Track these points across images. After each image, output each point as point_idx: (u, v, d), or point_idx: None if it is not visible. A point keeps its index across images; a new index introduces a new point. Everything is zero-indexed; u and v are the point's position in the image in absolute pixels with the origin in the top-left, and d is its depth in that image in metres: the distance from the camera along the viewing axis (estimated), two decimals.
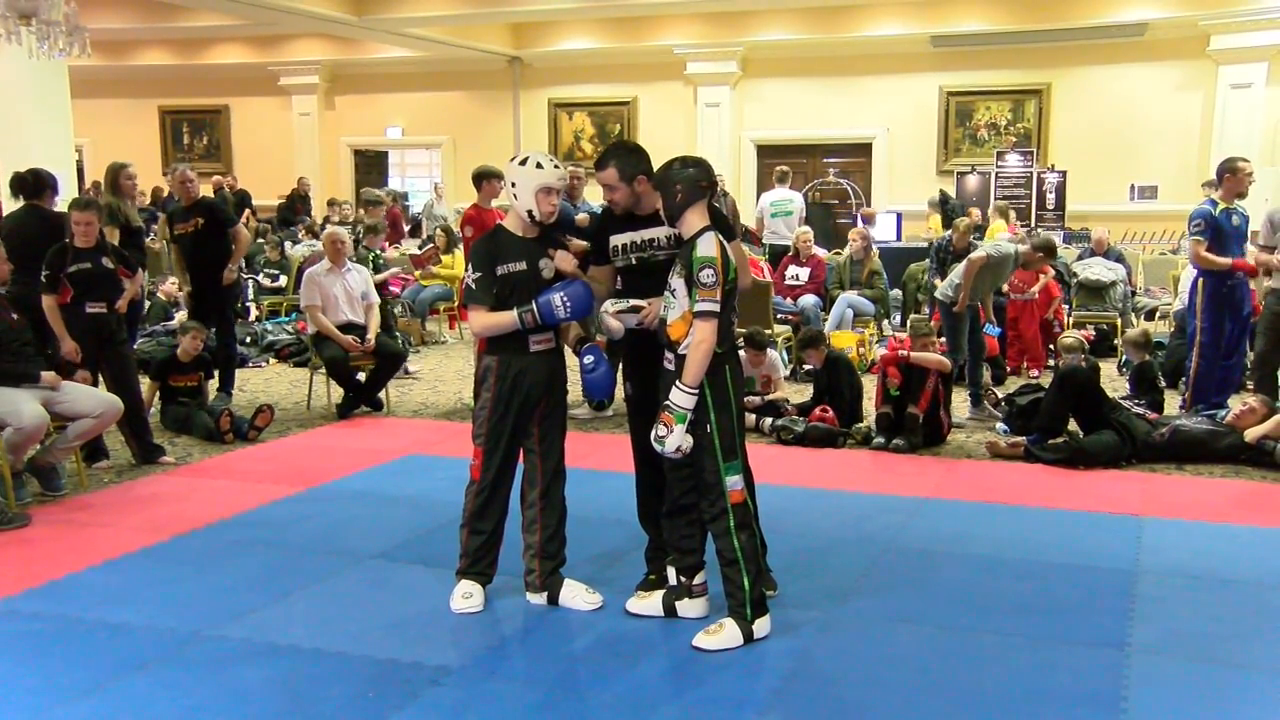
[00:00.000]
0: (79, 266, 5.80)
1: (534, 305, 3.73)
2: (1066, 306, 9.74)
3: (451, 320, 11.14)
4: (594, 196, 8.22)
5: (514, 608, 3.95)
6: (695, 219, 3.55)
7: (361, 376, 7.32)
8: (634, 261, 3.88)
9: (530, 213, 3.77)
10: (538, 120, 17.20)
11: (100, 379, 5.98)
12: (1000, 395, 7.20)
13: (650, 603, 3.87)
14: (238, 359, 8.10)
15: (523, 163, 3.77)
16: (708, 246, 3.47)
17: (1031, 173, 14.13)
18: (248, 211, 14.34)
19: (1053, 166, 14.41)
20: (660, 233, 3.81)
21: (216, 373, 7.42)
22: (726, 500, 3.55)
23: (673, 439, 3.48)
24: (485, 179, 7.44)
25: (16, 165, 6.97)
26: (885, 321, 10.13)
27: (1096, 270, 9.96)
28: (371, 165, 18.65)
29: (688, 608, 3.81)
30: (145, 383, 6.68)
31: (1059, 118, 14.88)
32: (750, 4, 14.46)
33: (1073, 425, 6.33)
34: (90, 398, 5.49)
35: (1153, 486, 5.63)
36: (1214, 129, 13.85)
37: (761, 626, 3.63)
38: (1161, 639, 3.67)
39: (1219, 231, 6.71)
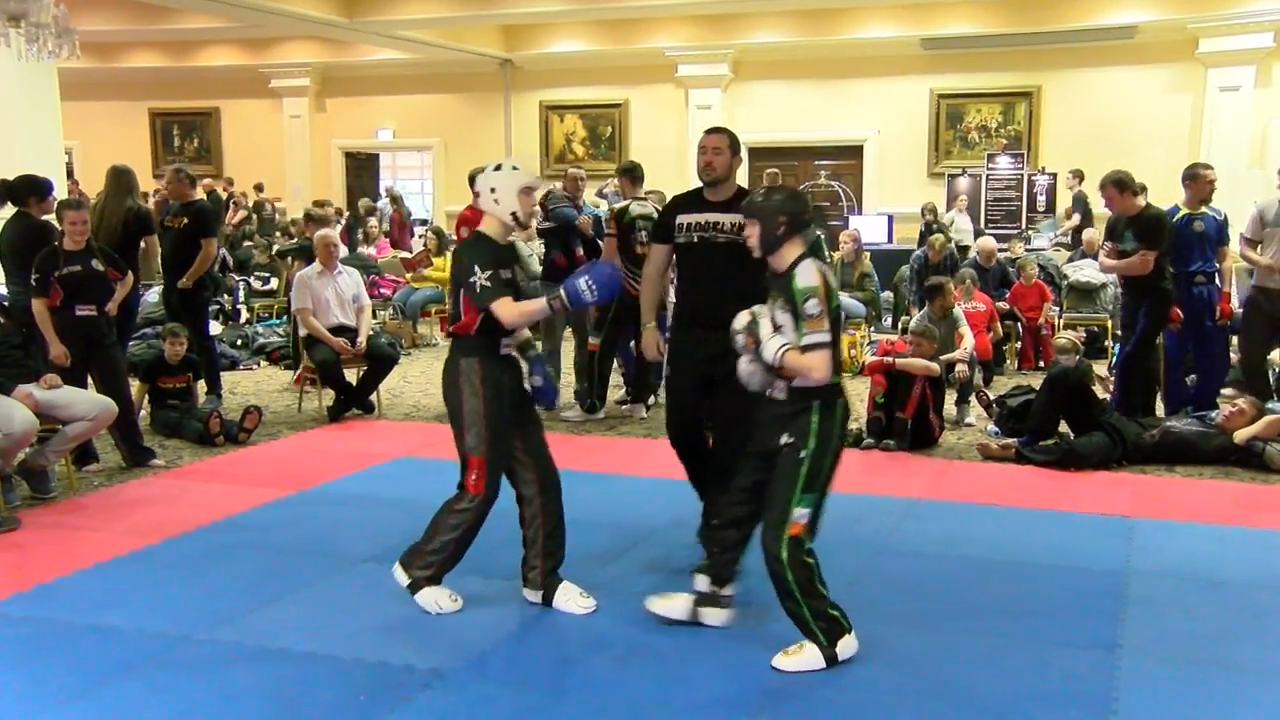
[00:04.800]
0: (69, 269, 5.78)
1: (562, 291, 3.74)
2: (1057, 309, 9.78)
3: (443, 323, 11.13)
4: (587, 195, 8.25)
5: (505, 611, 3.94)
6: (792, 250, 3.48)
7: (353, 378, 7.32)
8: (695, 239, 4.28)
9: (514, 214, 3.81)
10: (529, 123, 17.19)
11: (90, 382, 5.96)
12: (991, 396, 7.22)
13: (674, 605, 3.77)
14: (219, 361, 8.07)
15: (498, 168, 3.83)
16: (809, 276, 3.37)
17: (1022, 175, 14.17)
18: (240, 212, 14.30)
19: (1043, 169, 14.45)
20: (725, 218, 4.20)
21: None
22: (785, 530, 3.38)
23: (744, 360, 3.47)
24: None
25: (5, 168, 6.94)
26: (874, 326, 10.16)
27: (1087, 273, 9.99)
28: (363, 168, 18.61)
29: (711, 615, 3.73)
30: (134, 385, 6.65)
31: (1049, 120, 14.93)
32: (741, 6, 14.48)
33: (1063, 427, 6.35)
34: (85, 401, 5.47)
35: (1143, 488, 5.65)
36: (1203, 131, 13.91)
37: (845, 647, 3.46)
38: (1152, 640, 3.68)
39: (1176, 240, 6.67)
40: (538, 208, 3.99)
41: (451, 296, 3.84)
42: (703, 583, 3.75)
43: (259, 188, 16.21)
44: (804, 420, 3.41)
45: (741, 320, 3.52)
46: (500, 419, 3.80)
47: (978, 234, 12.41)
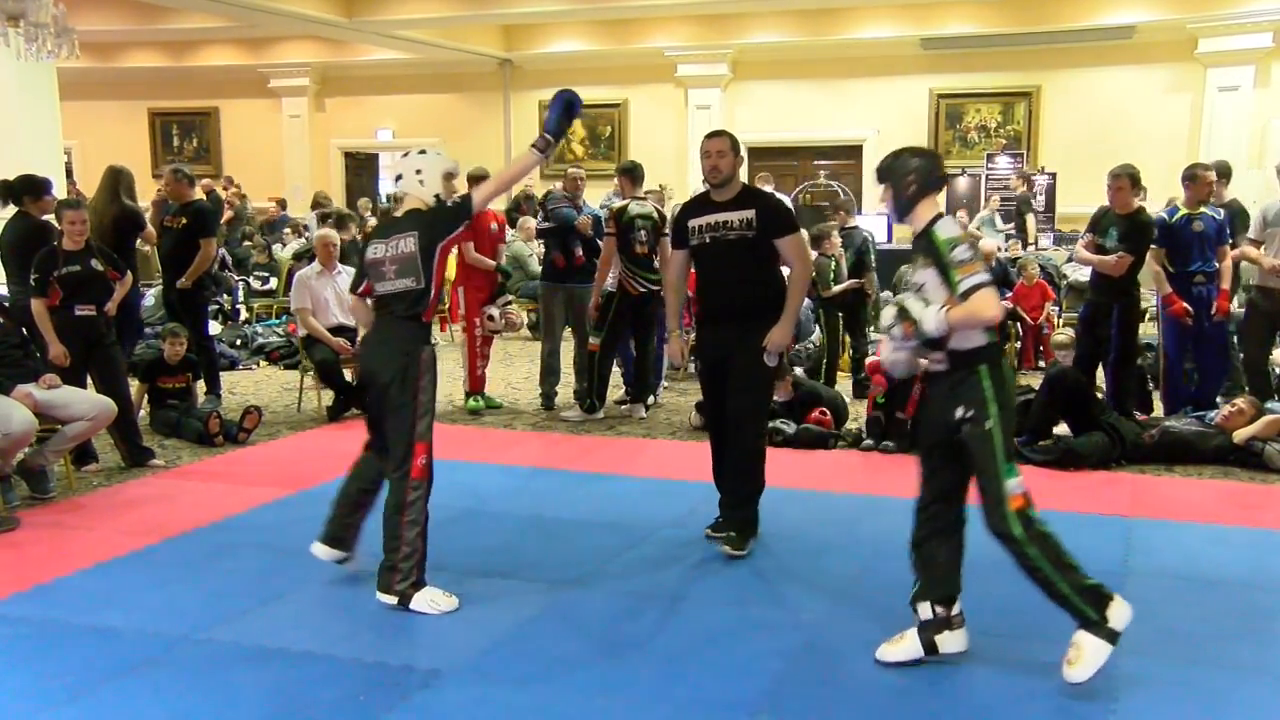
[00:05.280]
0: (68, 269, 5.78)
1: (547, 134, 4.02)
2: (1057, 309, 9.77)
3: (442, 323, 11.12)
4: (592, 199, 8.25)
5: (504, 610, 3.94)
6: (928, 209, 3.38)
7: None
8: (707, 240, 4.47)
9: (437, 196, 3.99)
10: (528, 122, 17.18)
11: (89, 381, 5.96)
12: None
13: (906, 646, 3.47)
14: (218, 360, 8.07)
15: (422, 152, 4.06)
16: (950, 228, 3.30)
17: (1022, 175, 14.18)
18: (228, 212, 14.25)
19: (1042, 169, 14.46)
20: (733, 216, 4.41)
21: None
22: (1007, 508, 3.22)
23: (889, 348, 3.39)
24: (477, 181, 7.47)
25: (5, 168, 6.94)
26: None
27: (1086, 272, 9.98)
28: (362, 168, 18.62)
29: (949, 641, 3.46)
30: (133, 385, 6.65)
31: (1049, 120, 14.93)
32: (740, 6, 14.49)
33: (1062, 427, 6.35)
34: (84, 400, 5.47)
35: (1142, 488, 5.65)
36: (1202, 131, 13.92)
37: (1117, 615, 3.23)
38: (1150, 640, 3.67)
39: (1175, 240, 6.69)
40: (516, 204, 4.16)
41: (419, 270, 3.89)
42: (925, 610, 3.45)
43: (229, 184, 16.14)
44: (975, 388, 3.27)
45: (889, 314, 3.40)
46: (433, 404, 3.95)
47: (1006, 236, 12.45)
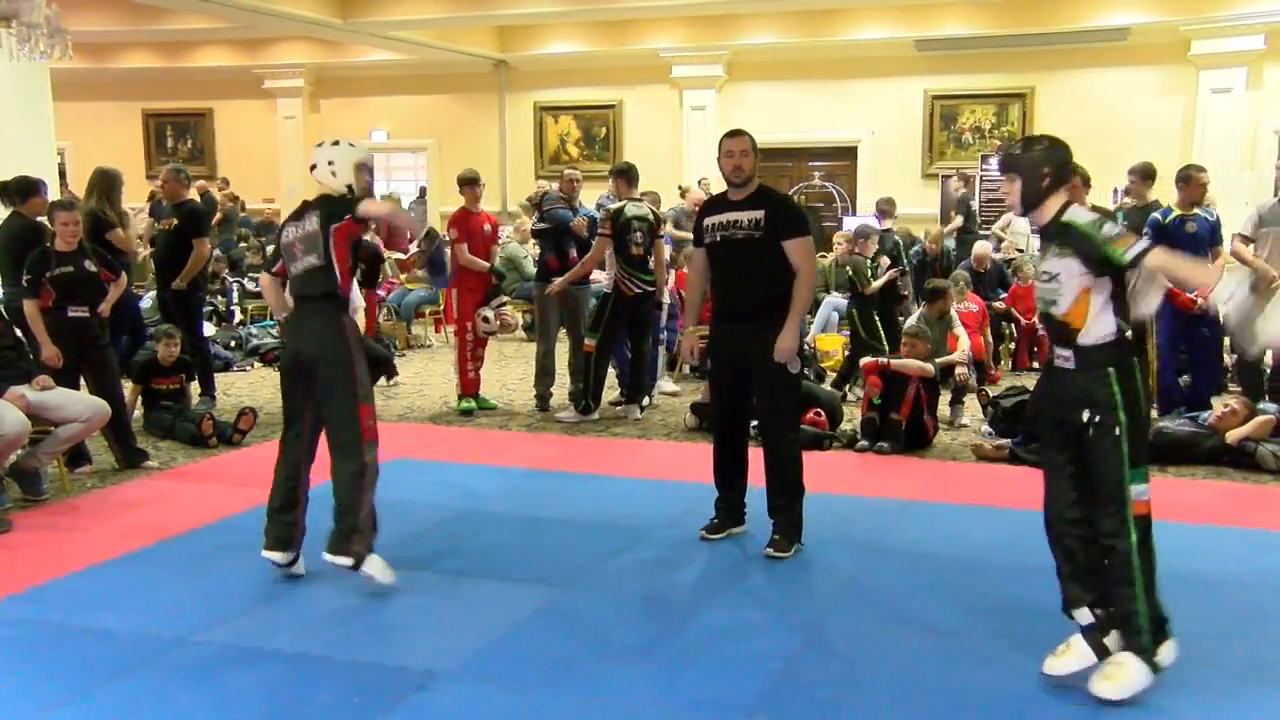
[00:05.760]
0: (61, 270, 5.77)
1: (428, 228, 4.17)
2: None
3: (437, 324, 11.12)
4: (587, 200, 8.25)
5: (499, 611, 3.94)
6: (1056, 201, 3.28)
7: None
8: (718, 238, 4.54)
9: (350, 187, 4.07)
10: (523, 123, 17.18)
11: (83, 383, 5.94)
12: (992, 395, 7.22)
13: (1075, 655, 3.34)
14: (213, 362, 8.05)
15: (335, 144, 4.15)
16: (1085, 213, 3.21)
17: None
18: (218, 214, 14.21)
19: None
20: (743, 215, 4.48)
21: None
22: (1128, 511, 3.13)
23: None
24: (469, 184, 7.48)
25: None
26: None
27: None
28: None
29: (1116, 641, 3.30)
30: (127, 386, 6.64)
31: (1043, 121, 14.93)
32: (736, 7, 14.48)
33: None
34: (78, 402, 5.46)
35: None
36: (1195, 133, 13.94)
37: (1166, 653, 3.18)
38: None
39: (1168, 240, 6.70)
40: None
41: (320, 247, 4.00)
42: (1085, 615, 3.34)
43: (223, 185, 16.11)
44: (1103, 391, 3.16)
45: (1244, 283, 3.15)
46: None
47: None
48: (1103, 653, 3.28)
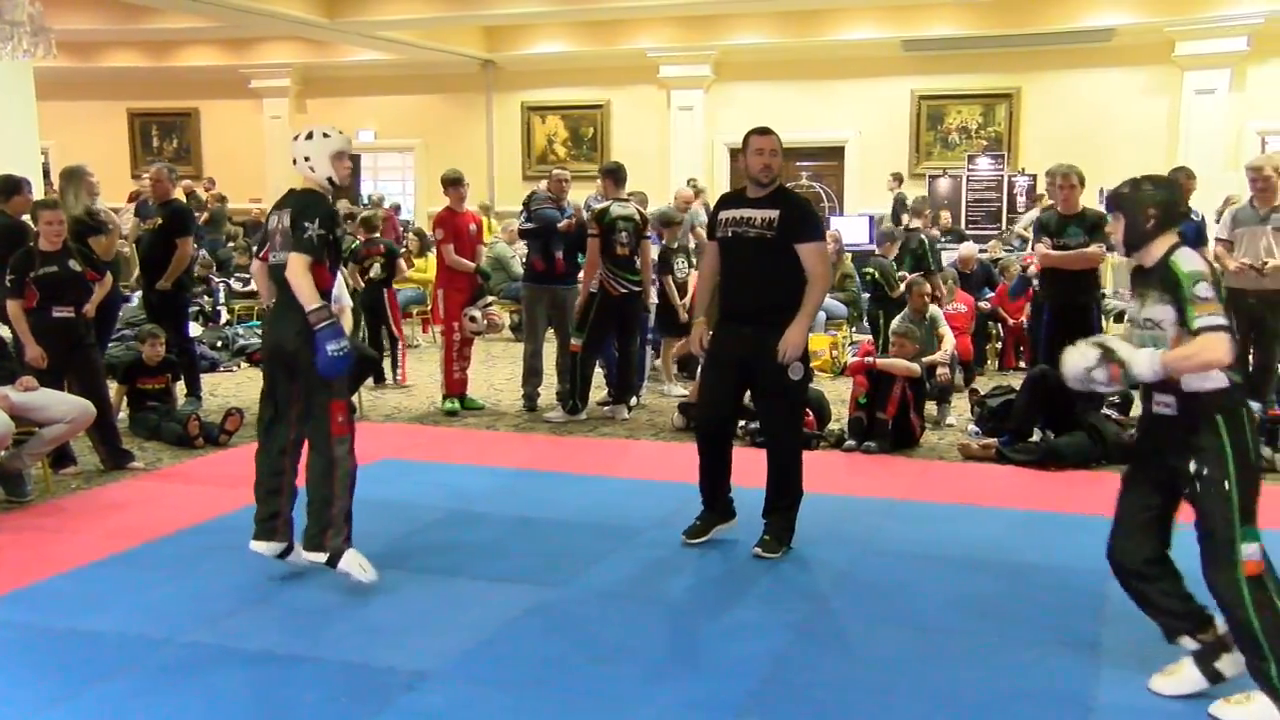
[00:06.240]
0: (46, 270, 5.73)
1: (329, 320, 3.90)
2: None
3: (425, 324, 11.10)
4: (575, 200, 8.22)
5: (487, 612, 3.93)
6: (1165, 243, 3.14)
7: None
8: (730, 234, 4.46)
9: (330, 179, 4.04)
10: (510, 124, 17.16)
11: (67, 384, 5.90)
12: (981, 393, 7.24)
13: (1185, 676, 3.24)
14: (198, 362, 8.02)
15: (309, 137, 4.06)
16: (1193, 260, 3.05)
17: (1002, 176, 14.26)
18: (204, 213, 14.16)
19: (1023, 170, 14.54)
20: (758, 214, 4.40)
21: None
22: (1239, 571, 2.99)
23: (1088, 365, 3.08)
24: (454, 184, 7.46)
25: None
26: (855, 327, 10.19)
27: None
28: None
29: (1227, 664, 3.19)
30: (113, 387, 6.60)
31: (1029, 122, 15.02)
32: (723, 8, 14.50)
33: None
34: (62, 403, 5.42)
35: None
36: (1180, 133, 14.04)
37: None
38: (1132, 640, 3.69)
39: None
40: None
41: (288, 247, 3.95)
42: (1189, 642, 3.24)
43: (210, 185, 16.05)
44: (1211, 441, 3.02)
45: (1091, 356, 3.12)
46: None
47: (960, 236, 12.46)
48: (1216, 678, 3.19)
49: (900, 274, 8.49)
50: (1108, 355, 3.09)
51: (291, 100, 17.95)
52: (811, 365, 8.66)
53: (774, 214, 4.39)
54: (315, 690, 3.33)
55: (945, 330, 7.50)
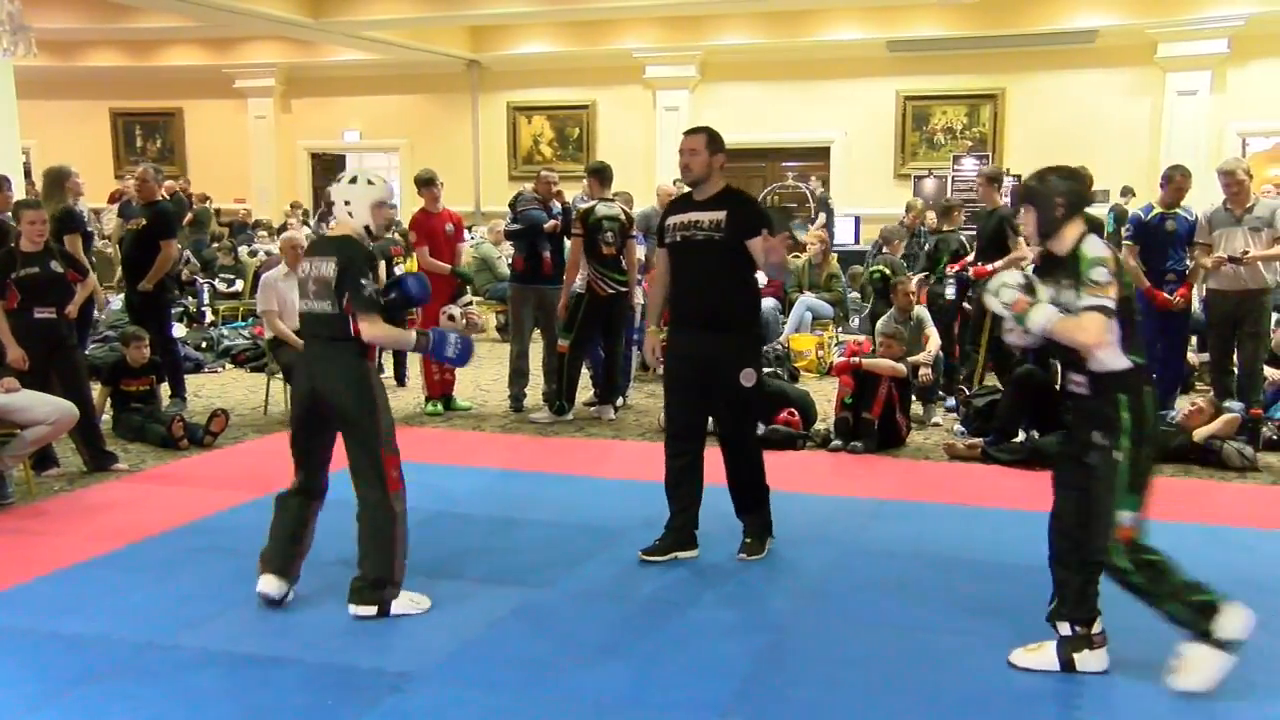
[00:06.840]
0: (27, 271, 5.70)
1: (431, 334, 3.97)
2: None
3: (410, 324, 11.04)
4: (573, 201, 8.22)
5: (473, 613, 3.93)
6: (1073, 230, 3.29)
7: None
8: (679, 239, 4.43)
9: (367, 227, 3.91)
10: (496, 124, 17.15)
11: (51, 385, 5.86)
12: (969, 392, 7.27)
13: (1042, 656, 3.46)
14: (182, 363, 7.97)
15: (353, 181, 3.93)
16: (1097, 247, 3.22)
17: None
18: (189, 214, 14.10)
19: (1008, 170, 14.60)
20: (705, 217, 4.36)
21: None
22: (1113, 536, 3.20)
23: (1007, 282, 3.29)
24: (426, 184, 7.40)
25: None
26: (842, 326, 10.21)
27: None
28: (329, 169, 18.48)
29: (1088, 660, 3.41)
30: (96, 388, 6.56)
31: (1014, 122, 15.10)
32: (709, 8, 14.53)
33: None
34: (44, 404, 5.38)
35: None
36: (1162, 134, 14.15)
37: (1225, 626, 3.20)
38: (1118, 638, 3.72)
39: (1149, 236, 6.85)
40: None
41: (333, 296, 3.81)
42: (1065, 627, 3.43)
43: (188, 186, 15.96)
44: (1112, 416, 3.21)
45: (1014, 279, 3.34)
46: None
47: None
48: (1069, 667, 3.39)
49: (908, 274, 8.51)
50: (1028, 289, 3.30)
51: (276, 100, 17.88)
52: (797, 365, 8.79)
53: (720, 215, 4.33)
54: (301, 693, 3.32)
55: (931, 330, 7.52)
